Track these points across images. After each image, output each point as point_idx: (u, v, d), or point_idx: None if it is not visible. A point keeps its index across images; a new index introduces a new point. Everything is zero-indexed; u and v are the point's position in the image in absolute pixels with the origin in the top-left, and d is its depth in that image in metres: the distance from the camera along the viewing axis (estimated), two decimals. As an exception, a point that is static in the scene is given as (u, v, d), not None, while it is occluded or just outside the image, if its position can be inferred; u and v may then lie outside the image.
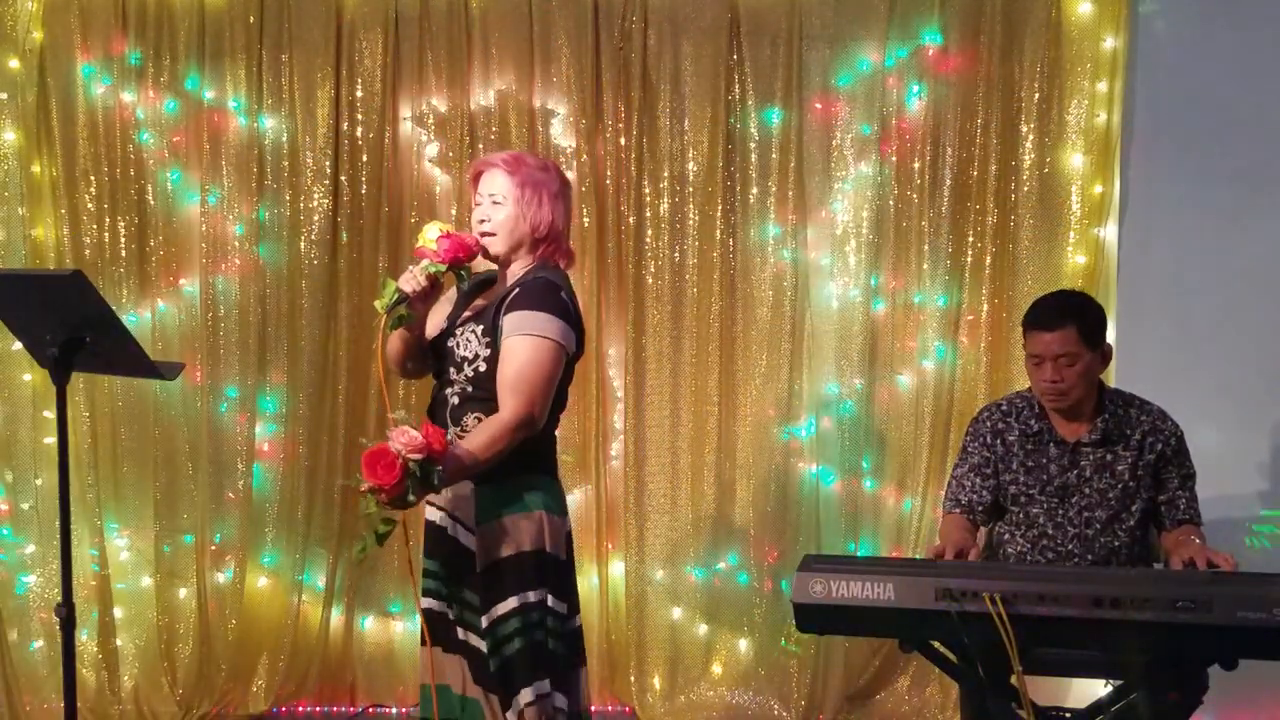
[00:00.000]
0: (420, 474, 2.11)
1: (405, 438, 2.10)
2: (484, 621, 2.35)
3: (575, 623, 2.50)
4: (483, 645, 2.38)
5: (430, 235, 2.36)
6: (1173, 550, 2.63)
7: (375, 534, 2.18)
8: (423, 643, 2.47)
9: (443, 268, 2.34)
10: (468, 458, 2.22)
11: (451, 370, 2.40)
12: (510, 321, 2.31)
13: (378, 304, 2.36)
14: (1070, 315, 2.64)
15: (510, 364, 2.29)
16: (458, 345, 2.40)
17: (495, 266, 2.50)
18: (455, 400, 2.39)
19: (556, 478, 2.48)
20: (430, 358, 2.51)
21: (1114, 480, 2.71)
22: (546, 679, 2.36)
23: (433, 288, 2.37)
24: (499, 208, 2.41)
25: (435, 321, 2.52)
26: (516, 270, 2.45)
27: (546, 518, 2.39)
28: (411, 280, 2.34)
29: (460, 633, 2.45)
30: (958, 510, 2.80)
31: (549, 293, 2.35)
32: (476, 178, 2.48)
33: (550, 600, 2.39)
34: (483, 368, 2.35)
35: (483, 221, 2.42)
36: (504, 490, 2.37)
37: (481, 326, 2.37)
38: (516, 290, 2.36)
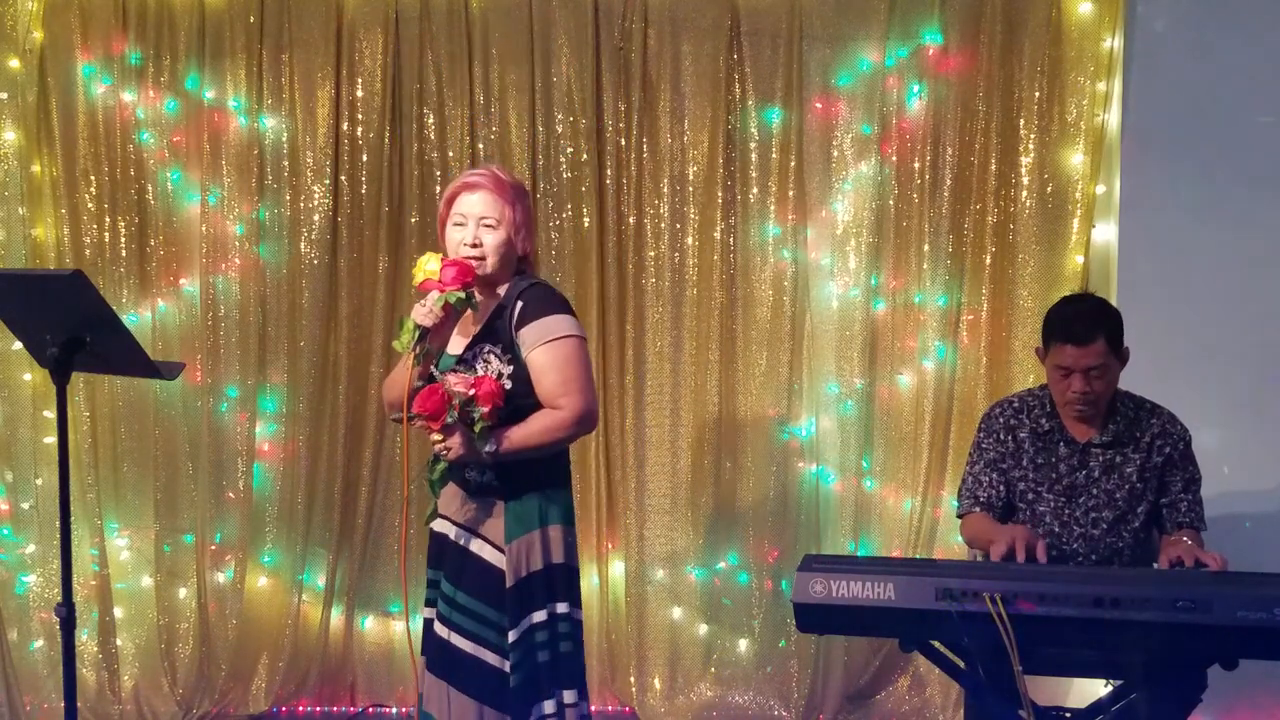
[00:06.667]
0: (461, 415, 2.26)
1: (455, 378, 2.29)
2: (513, 635, 2.38)
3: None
4: (491, 658, 2.41)
5: (431, 267, 2.35)
6: (1162, 550, 2.62)
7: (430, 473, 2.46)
8: (423, 650, 2.54)
9: (461, 294, 2.32)
10: (520, 433, 2.33)
11: None
12: (530, 334, 2.35)
13: (397, 345, 2.37)
14: (1099, 327, 2.57)
15: (549, 372, 2.34)
16: (478, 370, 2.39)
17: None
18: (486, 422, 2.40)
19: (570, 488, 2.54)
20: None
21: (1122, 481, 2.69)
22: (575, 689, 2.42)
23: (447, 317, 2.37)
24: (492, 231, 2.40)
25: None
26: (500, 285, 2.46)
27: (565, 530, 2.45)
28: (429, 314, 2.32)
29: (453, 638, 2.45)
30: (977, 509, 2.76)
31: (549, 295, 2.42)
32: (452, 199, 2.45)
33: (577, 613, 2.46)
34: (508, 385, 2.36)
35: (475, 245, 2.39)
36: (529, 506, 2.41)
37: (500, 345, 2.38)
38: (520, 304, 2.37)
